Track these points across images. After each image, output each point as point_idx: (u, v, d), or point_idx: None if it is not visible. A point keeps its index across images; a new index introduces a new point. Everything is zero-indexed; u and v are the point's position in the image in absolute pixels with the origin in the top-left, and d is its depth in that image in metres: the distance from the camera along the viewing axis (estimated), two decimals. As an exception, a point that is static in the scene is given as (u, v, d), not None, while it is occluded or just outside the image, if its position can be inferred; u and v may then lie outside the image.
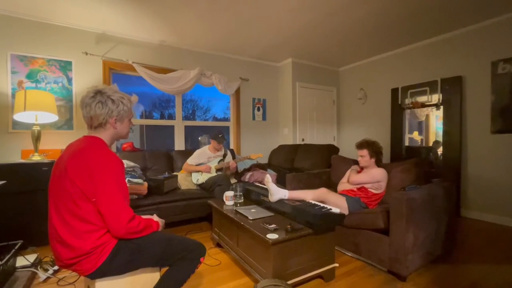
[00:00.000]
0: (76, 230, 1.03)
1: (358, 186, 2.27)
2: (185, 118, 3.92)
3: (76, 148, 1.11)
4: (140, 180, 2.59)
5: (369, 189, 2.21)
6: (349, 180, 2.36)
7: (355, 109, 4.74)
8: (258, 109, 4.45)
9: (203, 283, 1.78)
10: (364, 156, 2.32)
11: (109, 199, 1.04)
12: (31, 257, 1.98)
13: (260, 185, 2.70)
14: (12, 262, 1.79)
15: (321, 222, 1.65)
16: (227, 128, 4.32)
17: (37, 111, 2.47)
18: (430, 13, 2.86)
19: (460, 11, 2.84)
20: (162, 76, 3.45)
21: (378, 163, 2.35)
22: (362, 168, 2.42)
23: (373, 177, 2.22)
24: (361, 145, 2.35)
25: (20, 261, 1.91)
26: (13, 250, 1.77)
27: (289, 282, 1.57)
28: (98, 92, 1.16)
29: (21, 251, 2.02)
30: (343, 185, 2.43)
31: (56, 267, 1.90)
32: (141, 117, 4.35)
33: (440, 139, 3.50)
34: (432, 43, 3.59)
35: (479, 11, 2.85)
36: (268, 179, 2.13)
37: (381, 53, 4.18)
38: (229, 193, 2.25)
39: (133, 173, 2.73)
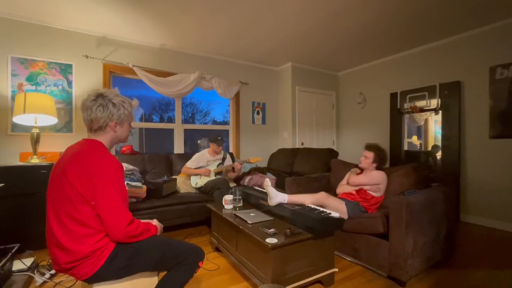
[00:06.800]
0: (74, 233, 1.03)
1: (357, 188, 2.27)
2: (185, 121, 3.92)
3: (76, 151, 1.10)
4: (139, 184, 2.59)
5: (368, 191, 2.21)
6: (349, 181, 2.36)
7: (354, 113, 4.76)
8: (258, 113, 4.46)
9: (202, 288, 1.76)
10: (367, 158, 2.33)
11: (109, 203, 1.03)
12: (28, 261, 1.96)
13: (259, 189, 2.69)
14: (9, 266, 1.77)
15: (321, 227, 1.65)
16: (227, 131, 4.32)
17: (37, 113, 2.47)
18: (429, 18, 2.89)
19: (458, 17, 2.87)
20: (162, 80, 3.47)
21: (378, 169, 2.36)
22: (361, 171, 2.42)
23: (373, 179, 2.22)
24: (370, 147, 2.36)
25: (17, 265, 1.88)
26: (10, 254, 1.75)
27: (288, 287, 1.56)
28: (99, 95, 1.16)
29: (18, 254, 1.99)
30: (342, 187, 2.44)
31: (53, 271, 1.88)
32: (141, 120, 4.34)
33: (439, 143, 3.51)
34: (430, 48, 3.62)
35: (478, 17, 2.88)
36: (267, 183, 2.12)
37: (380, 58, 4.21)
38: (228, 197, 2.24)
39: (132, 176, 2.72)
